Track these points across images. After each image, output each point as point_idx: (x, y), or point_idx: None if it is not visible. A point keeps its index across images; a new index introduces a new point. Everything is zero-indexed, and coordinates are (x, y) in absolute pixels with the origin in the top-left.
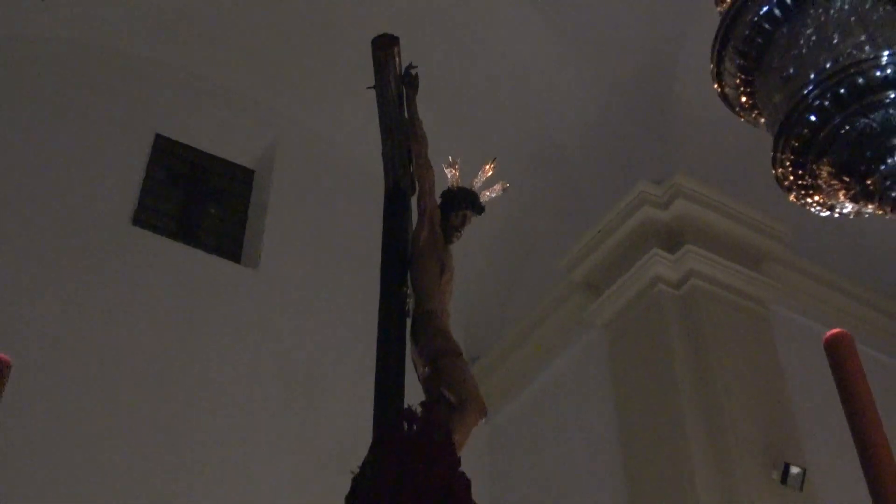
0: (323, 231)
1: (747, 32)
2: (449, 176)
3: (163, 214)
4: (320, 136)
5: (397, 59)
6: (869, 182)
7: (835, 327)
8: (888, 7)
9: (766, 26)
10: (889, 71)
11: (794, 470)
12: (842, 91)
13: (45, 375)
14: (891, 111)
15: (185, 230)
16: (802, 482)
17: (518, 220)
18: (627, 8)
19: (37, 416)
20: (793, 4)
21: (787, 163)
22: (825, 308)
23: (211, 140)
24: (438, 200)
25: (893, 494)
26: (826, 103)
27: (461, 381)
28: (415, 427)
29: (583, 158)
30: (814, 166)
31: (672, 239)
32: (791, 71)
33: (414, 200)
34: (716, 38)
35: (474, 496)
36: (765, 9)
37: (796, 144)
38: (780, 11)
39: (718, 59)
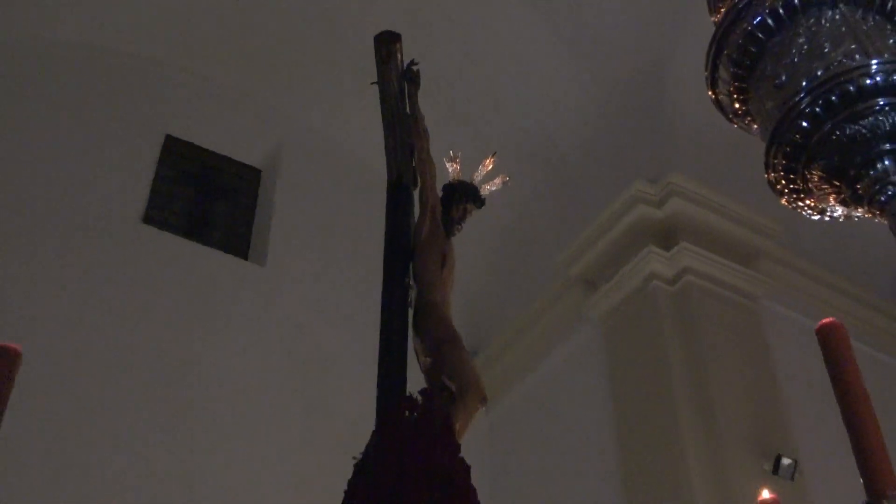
0: (328, 228)
1: (741, 41)
2: (450, 170)
3: (172, 212)
4: (325, 135)
5: (399, 55)
6: (858, 186)
7: None
8: (878, 17)
9: (760, 35)
10: (879, 79)
11: (786, 461)
12: (833, 98)
13: (57, 368)
14: (880, 118)
15: (194, 228)
16: (794, 473)
17: (517, 218)
18: (624, 11)
19: (48, 407)
20: (785, 15)
21: (780, 168)
22: (816, 304)
23: (219, 140)
24: (440, 194)
25: (884, 478)
26: (817, 110)
27: (462, 370)
28: (416, 414)
29: (580, 158)
30: (805, 171)
31: (666, 236)
32: (783, 78)
33: (416, 194)
34: (710, 46)
35: (474, 483)
36: (758, 19)
37: (788, 150)
38: (773, 21)
39: (712, 67)
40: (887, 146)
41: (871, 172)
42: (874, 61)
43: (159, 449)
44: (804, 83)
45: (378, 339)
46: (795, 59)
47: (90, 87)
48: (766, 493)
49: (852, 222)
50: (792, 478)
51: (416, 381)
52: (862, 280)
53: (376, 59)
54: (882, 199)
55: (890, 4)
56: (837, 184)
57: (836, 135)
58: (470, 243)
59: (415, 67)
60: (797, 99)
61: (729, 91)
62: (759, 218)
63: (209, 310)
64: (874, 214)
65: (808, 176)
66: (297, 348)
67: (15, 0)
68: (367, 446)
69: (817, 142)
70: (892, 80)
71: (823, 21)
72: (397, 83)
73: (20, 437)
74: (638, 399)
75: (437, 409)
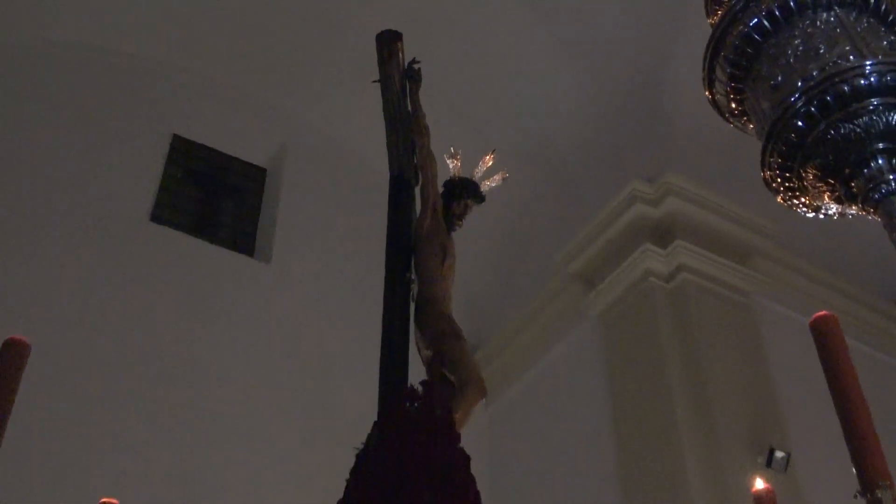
0: (331, 225)
1: (737, 43)
2: (451, 166)
3: (180, 211)
4: (329, 135)
5: (401, 54)
6: (853, 185)
7: None
8: (872, 20)
9: (756, 37)
10: (873, 79)
11: (779, 454)
12: (828, 98)
13: (64, 363)
14: (874, 117)
15: (201, 226)
16: (787, 465)
17: (517, 217)
18: (622, 14)
19: (53, 401)
20: (781, 17)
21: (775, 166)
22: (809, 300)
23: (225, 140)
24: (441, 190)
25: (876, 467)
26: (813, 110)
27: (462, 363)
28: (416, 405)
29: (579, 158)
30: (800, 170)
31: (663, 235)
32: (779, 79)
33: (417, 190)
34: (707, 48)
35: (474, 474)
36: (754, 21)
37: (784, 149)
38: (770, 23)
39: (709, 68)
40: (881, 145)
41: (865, 171)
42: (868, 62)
43: (164, 443)
44: (800, 83)
45: (380, 333)
46: (791, 60)
47: (100, 88)
48: (759, 483)
49: (845, 221)
50: (785, 470)
51: (417, 374)
52: (855, 278)
53: (378, 58)
54: (876, 196)
55: (883, 7)
56: (832, 182)
57: (831, 134)
58: (471, 242)
59: (416, 66)
60: (793, 99)
61: (726, 91)
62: (753, 217)
63: (215, 306)
64: (868, 212)
65: (804, 174)
66: (301, 343)
67: (27, 4)
68: (369, 436)
69: (812, 141)
70: (886, 80)
71: (818, 23)
72: (399, 81)
73: (24, 431)
74: (635, 394)
75: (438, 400)
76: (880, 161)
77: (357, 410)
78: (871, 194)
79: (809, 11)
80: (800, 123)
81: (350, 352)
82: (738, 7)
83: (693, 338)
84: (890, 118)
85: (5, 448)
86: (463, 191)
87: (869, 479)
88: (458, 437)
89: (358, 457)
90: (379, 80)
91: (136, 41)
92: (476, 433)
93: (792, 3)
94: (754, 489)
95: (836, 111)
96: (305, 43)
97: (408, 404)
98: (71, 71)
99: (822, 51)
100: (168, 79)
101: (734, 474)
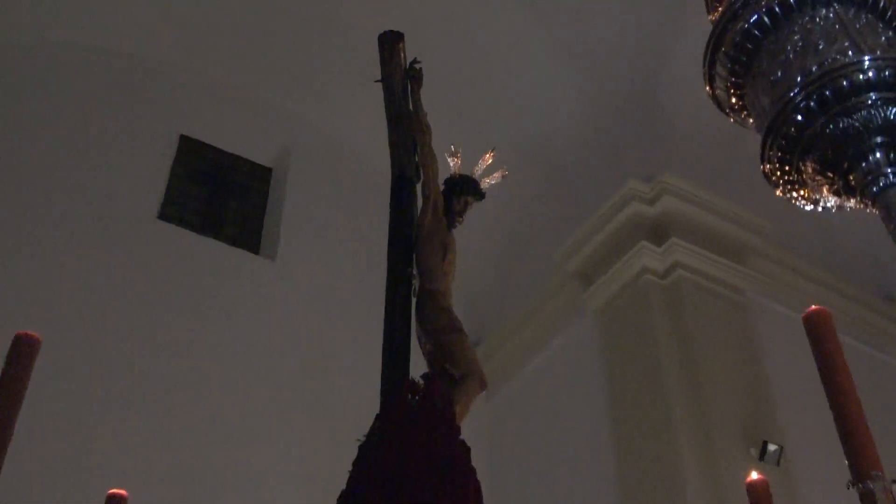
0: (335, 223)
1: (738, 40)
2: (451, 164)
3: (187, 209)
4: (333, 136)
5: (402, 54)
6: (851, 178)
7: None
8: (870, 16)
9: (756, 33)
10: (871, 74)
11: (772, 447)
12: (827, 93)
13: (75, 356)
14: (872, 112)
15: (208, 224)
16: (779, 458)
17: (516, 216)
18: (619, 17)
19: (61, 396)
20: (781, 13)
21: (775, 160)
22: (802, 297)
23: (231, 140)
24: (441, 187)
25: (868, 459)
26: (812, 104)
27: (463, 356)
28: (418, 397)
29: (576, 158)
30: (799, 163)
31: (659, 232)
32: (779, 75)
33: (419, 188)
34: (708, 44)
35: (474, 464)
36: (754, 17)
37: (783, 143)
38: (769, 20)
39: (710, 64)
40: (879, 139)
41: (864, 164)
42: (867, 58)
43: (169, 437)
44: (799, 79)
45: (382, 328)
46: (790, 56)
47: (111, 90)
48: (754, 475)
49: (838, 220)
50: (778, 463)
51: (418, 368)
52: (848, 276)
53: (380, 58)
54: (874, 190)
55: (882, 3)
56: (831, 175)
57: (830, 128)
58: (471, 240)
59: (417, 66)
60: (792, 94)
61: (726, 87)
62: (748, 215)
63: (221, 302)
64: (866, 205)
65: (803, 168)
66: (305, 337)
67: (40, 6)
68: (371, 429)
69: (811, 135)
70: (884, 75)
71: (818, 19)
72: (400, 81)
73: (33, 425)
74: (632, 388)
75: (439, 393)
76: (878, 155)
77: (360, 403)
78: (869, 187)
79: (808, 8)
80: (799, 118)
81: (353, 345)
82: (738, 4)
83: (688, 334)
84: (888, 113)
85: (14, 441)
86: (463, 188)
87: (861, 470)
88: (458, 430)
89: (361, 448)
90: (381, 80)
91: (145, 44)
92: (476, 426)
93: (791, 0)
94: (748, 480)
95: (834, 106)
96: (309, 45)
97: (409, 397)
98: (83, 73)
99: (821, 47)
100: (176, 81)
101: (728, 466)
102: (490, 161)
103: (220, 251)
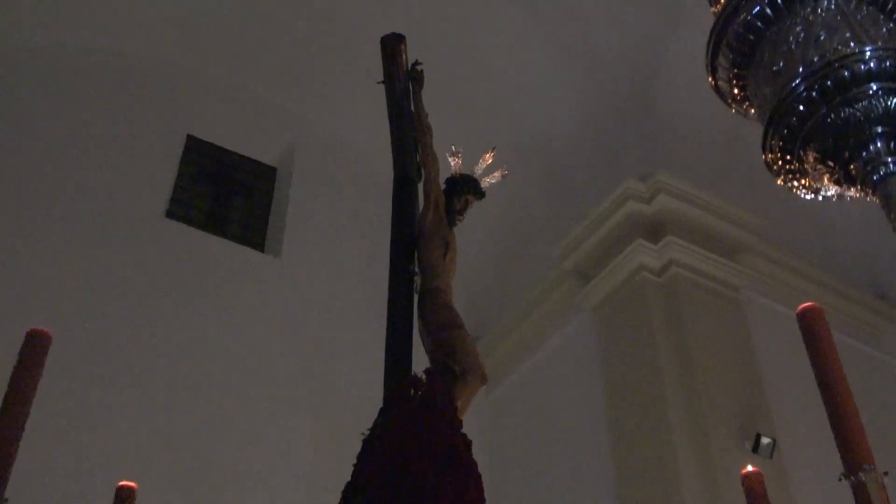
0: (338, 221)
1: (740, 31)
2: (452, 164)
3: (193, 208)
4: (336, 136)
5: (404, 56)
6: (852, 167)
7: None
8: (871, 8)
9: (759, 25)
10: (872, 65)
11: (765, 440)
12: (828, 83)
13: (85, 350)
14: (873, 102)
15: (214, 222)
16: (772, 451)
17: (515, 215)
18: (616, 21)
19: (73, 390)
20: (783, 5)
21: (777, 149)
22: (795, 294)
23: (237, 140)
24: (443, 186)
25: (860, 451)
26: (814, 94)
27: (464, 352)
28: (420, 392)
29: (574, 158)
30: (801, 152)
31: (655, 231)
32: (781, 65)
33: (420, 187)
34: (710, 35)
35: (475, 457)
36: (757, 9)
37: (785, 132)
38: (772, 11)
39: (713, 55)
40: (880, 129)
41: (864, 154)
42: (868, 48)
43: (175, 432)
44: (801, 69)
45: (385, 322)
46: (792, 47)
47: (119, 92)
48: (749, 468)
49: (830, 218)
50: (770, 455)
51: (420, 363)
52: (839, 273)
53: (382, 60)
54: (874, 178)
55: None
56: (832, 164)
57: (831, 118)
58: (472, 238)
59: (419, 67)
60: (794, 84)
61: (728, 78)
62: (742, 214)
63: (227, 297)
64: (866, 193)
65: (804, 157)
66: (309, 333)
67: (51, 10)
68: (375, 422)
69: (813, 125)
70: (885, 66)
71: (819, 11)
72: (402, 82)
73: (44, 418)
74: (628, 383)
75: (441, 387)
76: (879, 144)
77: (363, 397)
78: (869, 176)
79: (810, 0)
80: (801, 108)
81: (356, 341)
82: None
83: (683, 329)
84: (889, 102)
85: (24, 434)
86: (464, 187)
87: (853, 463)
88: (460, 423)
89: (364, 442)
90: (383, 82)
91: (153, 48)
92: (476, 419)
93: None
94: (743, 472)
95: (836, 96)
96: (313, 47)
97: (412, 392)
98: (93, 76)
99: (822, 38)
100: (183, 83)
101: (722, 459)
102: (490, 161)
103: (225, 248)
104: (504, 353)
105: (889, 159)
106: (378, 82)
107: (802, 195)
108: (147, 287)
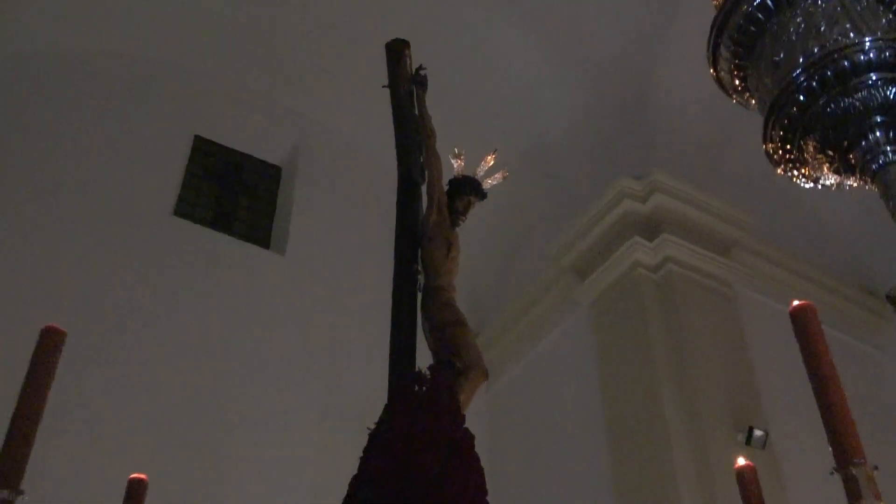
0: (343, 220)
1: (741, 22)
2: (455, 166)
3: (200, 206)
4: (340, 136)
5: (408, 60)
6: (851, 157)
7: None
8: None
9: (759, 16)
10: (872, 55)
11: (758, 432)
12: (828, 73)
13: (95, 346)
14: (873, 92)
15: (220, 220)
16: (765, 443)
17: (514, 214)
18: (610, 23)
19: (86, 386)
20: None
21: (777, 139)
22: (787, 290)
23: (243, 140)
24: (445, 187)
25: (851, 446)
26: (813, 84)
27: (466, 348)
28: (424, 388)
29: (571, 157)
30: (801, 142)
31: (650, 228)
32: (781, 56)
33: (424, 188)
34: (712, 27)
35: (476, 451)
36: (758, 0)
37: (785, 122)
38: (773, 2)
39: (714, 46)
40: (879, 118)
41: (864, 143)
42: (867, 39)
43: (183, 428)
44: (801, 59)
45: (389, 319)
46: (793, 38)
47: (128, 92)
48: (741, 461)
49: (821, 214)
50: (763, 448)
51: (424, 360)
52: (830, 269)
53: (387, 64)
54: (873, 167)
55: None
56: (831, 154)
57: (831, 108)
58: (472, 237)
59: (422, 72)
60: (795, 74)
61: (729, 69)
62: (734, 212)
63: (234, 294)
64: (865, 182)
65: (804, 146)
66: (314, 330)
67: (58, 13)
68: (381, 417)
69: (813, 114)
70: (885, 56)
71: (819, 2)
72: (406, 86)
73: (57, 414)
74: (624, 377)
75: (444, 383)
76: (878, 133)
77: (368, 393)
78: (868, 166)
79: None
80: (801, 97)
81: (361, 338)
82: None
83: (678, 324)
84: (888, 92)
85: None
86: (466, 188)
87: (843, 457)
88: (463, 418)
89: (371, 436)
90: (388, 85)
91: (161, 49)
92: (477, 412)
93: None
94: (737, 466)
95: (836, 86)
96: (319, 50)
97: (416, 387)
98: (103, 78)
99: (822, 28)
100: (190, 84)
101: (716, 451)
102: (492, 163)
103: (231, 246)
104: (503, 348)
105: (888, 148)
106: (383, 87)
107: (802, 184)
108: (156, 281)
